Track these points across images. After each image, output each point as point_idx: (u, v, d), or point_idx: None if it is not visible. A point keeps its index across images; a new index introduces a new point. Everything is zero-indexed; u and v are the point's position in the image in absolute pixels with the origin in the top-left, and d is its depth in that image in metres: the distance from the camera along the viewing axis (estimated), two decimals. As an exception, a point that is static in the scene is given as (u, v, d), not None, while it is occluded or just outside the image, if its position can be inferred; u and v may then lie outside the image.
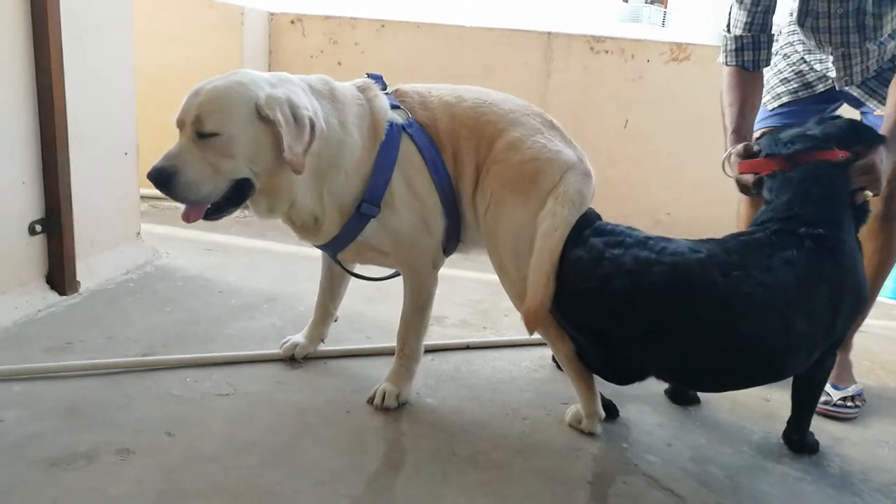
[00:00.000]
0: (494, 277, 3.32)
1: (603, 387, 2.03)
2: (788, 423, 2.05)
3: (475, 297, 3.05)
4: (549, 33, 3.96)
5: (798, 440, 2.01)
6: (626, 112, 3.97)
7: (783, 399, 2.32)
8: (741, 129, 2.17)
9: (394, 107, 2.01)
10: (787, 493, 1.81)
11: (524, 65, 3.98)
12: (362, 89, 2.01)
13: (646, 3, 23.03)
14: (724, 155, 2.13)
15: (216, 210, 1.83)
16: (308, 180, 1.87)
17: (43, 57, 2.45)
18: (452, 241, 2.11)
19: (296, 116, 1.75)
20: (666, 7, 23.05)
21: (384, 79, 2.07)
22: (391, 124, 1.97)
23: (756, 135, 2.28)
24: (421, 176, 1.99)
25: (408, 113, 2.02)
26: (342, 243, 2.01)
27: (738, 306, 1.71)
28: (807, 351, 1.82)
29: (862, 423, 2.23)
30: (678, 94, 3.94)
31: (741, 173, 2.03)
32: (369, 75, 2.07)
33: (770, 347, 1.75)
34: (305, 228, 2.00)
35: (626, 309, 1.76)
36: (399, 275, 2.16)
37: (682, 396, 2.25)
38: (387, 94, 2.04)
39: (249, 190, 1.83)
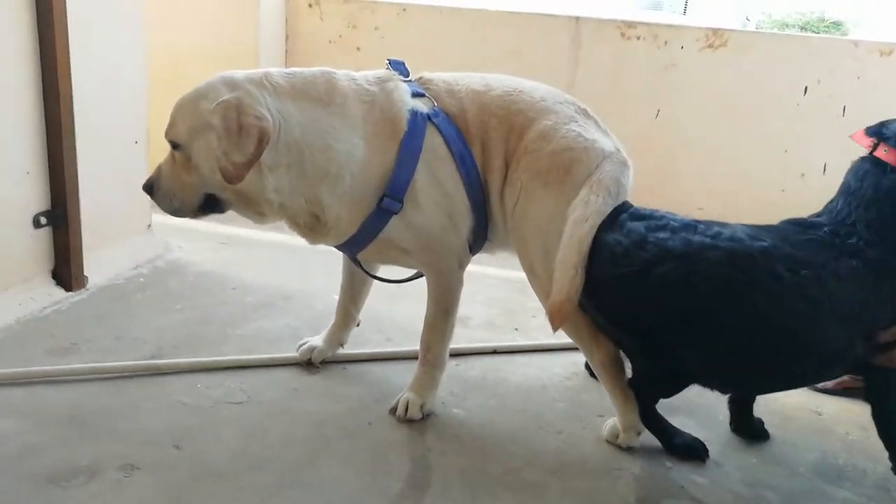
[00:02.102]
0: (520, 275, 3.15)
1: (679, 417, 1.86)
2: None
3: (500, 295, 2.89)
4: (577, 18, 3.77)
5: None
6: (658, 101, 3.77)
7: (836, 413, 2.16)
8: None
9: (418, 94, 1.86)
10: (850, 523, 1.65)
11: (551, 51, 3.79)
12: (381, 81, 1.87)
13: (667, -10, 22.58)
14: None
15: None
16: (290, 185, 1.77)
17: (48, 40, 2.31)
18: (479, 239, 1.96)
19: (241, 124, 1.66)
20: (688, -6, 22.64)
21: (406, 65, 1.92)
22: (415, 114, 1.82)
23: None
24: (447, 169, 1.85)
25: (433, 101, 1.87)
26: (362, 242, 1.87)
27: (803, 308, 1.59)
28: (857, 363, 1.71)
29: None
30: (713, 83, 3.73)
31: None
32: (390, 61, 1.93)
33: (828, 353, 1.66)
34: (311, 229, 1.89)
35: (673, 298, 1.62)
36: (422, 275, 2.01)
37: (748, 429, 2.00)
38: (409, 81, 1.89)
39: (219, 202, 1.83)
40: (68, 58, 2.37)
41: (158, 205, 1.84)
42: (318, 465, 1.69)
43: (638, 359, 1.80)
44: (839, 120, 3.66)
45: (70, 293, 2.52)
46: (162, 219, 3.27)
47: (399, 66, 1.92)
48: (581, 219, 1.71)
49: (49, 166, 2.44)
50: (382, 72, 1.92)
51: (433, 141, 1.83)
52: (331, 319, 2.27)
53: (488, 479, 1.68)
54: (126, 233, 2.88)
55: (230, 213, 2.02)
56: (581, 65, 3.81)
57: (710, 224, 1.68)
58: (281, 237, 3.44)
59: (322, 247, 3.17)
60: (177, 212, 1.84)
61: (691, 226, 1.67)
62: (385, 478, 1.66)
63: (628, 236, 1.66)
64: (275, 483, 1.61)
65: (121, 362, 2.08)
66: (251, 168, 1.68)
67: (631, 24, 3.75)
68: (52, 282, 2.51)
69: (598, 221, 1.71)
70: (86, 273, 2.60)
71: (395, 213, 1.81)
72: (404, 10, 3.90)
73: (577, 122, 1.86)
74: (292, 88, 1.77)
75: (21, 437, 1.71)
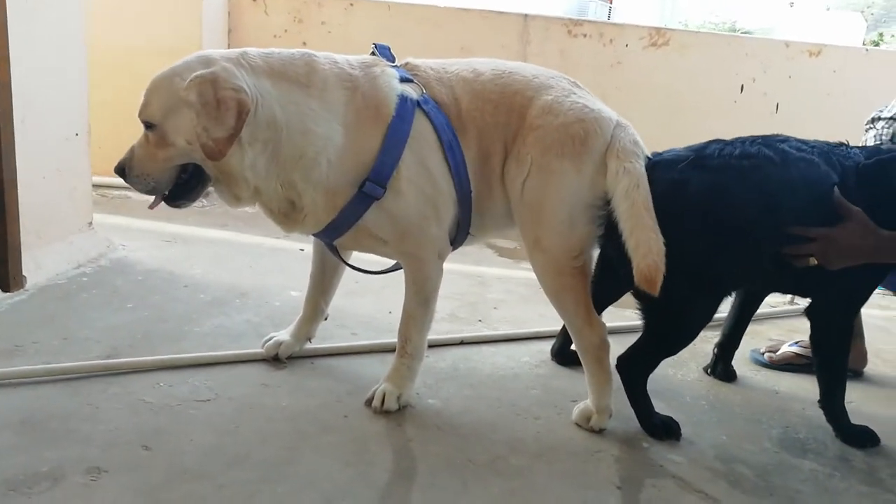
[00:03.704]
0: (478, 269, 3.22)
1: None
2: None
3: (460, 289, 2.89)
4: (525, 15, 3.82)
5: (833, 422, 1.97)
6: (604, 98, 3.82)
7: (791, 390, 2.26)
8: None
9: (406, 80, 1.83)
10: (820, 492, 1.71)
11: (500, 48, 3.83)
12: (366, 66, 1.83)
13: (591, -2, 23.19)
14: None
15: (173, 196, 1.80)
16: (266, 166, 1.72)
17: (-17, 24, 2.17)
18: (462, 233, 1.93)
19: (219, 98, 1.61)
20: (612, 3, 23.34)
21: (391, 50, 1.89)
22: (404, 98, 1.79)
23: None
24: (435, 157, 1.81)
25: (422, 88, 1.84)
26: (340, 229, 1.82)
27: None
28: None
29: (873, 414, 2.16)
30: (657, 81, 3.86)
31: None
32: (376, 46, 1.89)
33: None
34: (286, 216, 1.83)
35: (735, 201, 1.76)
36: (400, 268, 1.98)
37: (725, 372, 2.29)
38: (396, 67, 1.86)
39: (203, 176, 1.76)
40: (7, 43, 2.22)
41: (133, 186, 1.76)
42: (299, 460, 1.63)
43: (676, 304, 1.81)
44: (772, 117, 3.85)
45: (8, 294, 2.36)
46: (103, 217, 3.14)
47: (384, 51, 1.88)
48: (632, 186, 1.73)
49: (-16, 158, 2.28)
50: (367, 57, 1.87)
51: (422, 128, 1.79)
52: (291, 316, 2.22)
53: (475, 466, 1.66)
54: (66, 231, 2.73)
55: (172, 210, 1.93)
56: (529, 61, 3.83)
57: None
58: (224, 234, 3.35)
59: (268, 244, 3.12)
60: (153, 191, 1.77)
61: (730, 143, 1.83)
62: (370, 469, 1.62)
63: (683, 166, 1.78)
64: (257, 479, 1.54)
65: (74, 362, 1.95)
66: (233, 142, 1.62)
67: (578, 22, 3.83)
68: (-12, 282, 2.35)
69: (647, 182, 1.75)
70: (24, 273, 2.43)
71: (377, 199, 1.76)
72: (352, 4, 3.86)
73: (575, 94, 1.87)
74: (269, 68, 1.72)
75: (-30, 444, 1.58)
